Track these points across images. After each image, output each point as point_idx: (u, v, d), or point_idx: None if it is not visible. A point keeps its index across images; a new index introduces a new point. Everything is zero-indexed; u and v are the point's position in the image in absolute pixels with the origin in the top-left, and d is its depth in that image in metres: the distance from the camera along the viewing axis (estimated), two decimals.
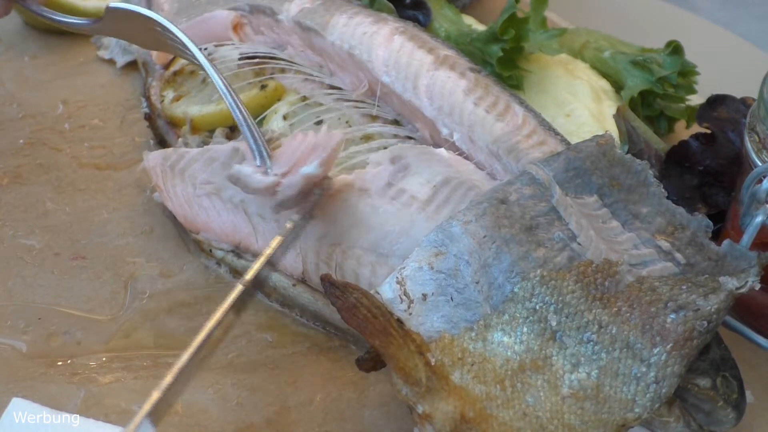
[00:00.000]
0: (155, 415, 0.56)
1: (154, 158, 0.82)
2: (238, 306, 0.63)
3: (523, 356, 0.60)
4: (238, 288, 0.63)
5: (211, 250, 0.80)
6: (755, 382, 0.72)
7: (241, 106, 0.75)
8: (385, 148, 0.77)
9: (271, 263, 0.67)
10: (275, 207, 0.72)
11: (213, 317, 0.61)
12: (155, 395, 0.56)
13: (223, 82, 0.75)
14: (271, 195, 0.72)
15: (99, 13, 1.06)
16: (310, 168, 0.70)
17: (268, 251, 0.66)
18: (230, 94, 0.75)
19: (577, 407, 0.59)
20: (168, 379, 0.57)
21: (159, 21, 0.78)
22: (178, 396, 0.59)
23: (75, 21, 0.87)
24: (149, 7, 1.04)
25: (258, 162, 0.73)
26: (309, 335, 0.76)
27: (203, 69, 0.77)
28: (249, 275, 0.64)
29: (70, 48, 1.05)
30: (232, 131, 0.86)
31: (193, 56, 0.78)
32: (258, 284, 0.66)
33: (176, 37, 0.77)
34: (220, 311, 0.61)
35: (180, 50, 0.79)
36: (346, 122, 0.81)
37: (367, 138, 0.80)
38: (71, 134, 0.94)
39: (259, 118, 0.84)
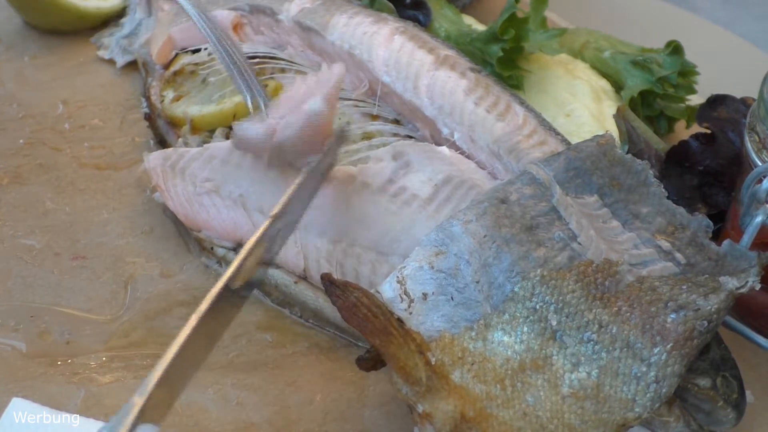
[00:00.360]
0: (153, 413, 0.54)
1: (154, 159, 0.82)
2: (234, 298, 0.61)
3: (523, 356, 0.60)
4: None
5: (212, 248, 0.80)
6: (755, 382, 0.71)
7: (235, 53, 0.72)
8: (386, 146, 0.77)
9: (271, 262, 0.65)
10: (270, 158, 0.69)
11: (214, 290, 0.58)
12: (149, 389, 0.53)
13: (207, 26, 0.72)
14: (270, 139, 0.69)
15: (99, 14, 1.07)
16: (313, 104, 0.68)
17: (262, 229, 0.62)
18: (219, 44, 0.72)
19: (578, 407, 0.59)
20: (156, 373, 0.53)
21: None
22: (177, 395, 0.58)
23: None
24: (149, 7, 1.04)
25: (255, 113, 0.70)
26: (309, 335, 0.76)
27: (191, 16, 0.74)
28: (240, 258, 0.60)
29: (70, 48, 1.05)
30: (232, 131, 0.86)
31: None
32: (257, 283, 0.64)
33: None
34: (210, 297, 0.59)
35: None
36: (347, 122, 0.81)
37: (368, 136, 0.80)
38: (71, 134, 0.94)
39: None
